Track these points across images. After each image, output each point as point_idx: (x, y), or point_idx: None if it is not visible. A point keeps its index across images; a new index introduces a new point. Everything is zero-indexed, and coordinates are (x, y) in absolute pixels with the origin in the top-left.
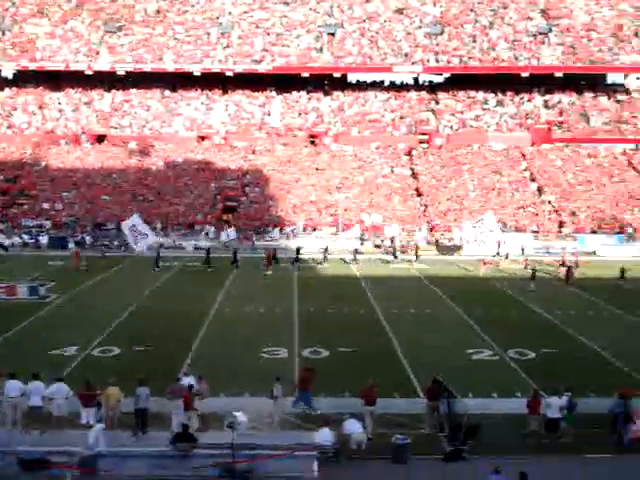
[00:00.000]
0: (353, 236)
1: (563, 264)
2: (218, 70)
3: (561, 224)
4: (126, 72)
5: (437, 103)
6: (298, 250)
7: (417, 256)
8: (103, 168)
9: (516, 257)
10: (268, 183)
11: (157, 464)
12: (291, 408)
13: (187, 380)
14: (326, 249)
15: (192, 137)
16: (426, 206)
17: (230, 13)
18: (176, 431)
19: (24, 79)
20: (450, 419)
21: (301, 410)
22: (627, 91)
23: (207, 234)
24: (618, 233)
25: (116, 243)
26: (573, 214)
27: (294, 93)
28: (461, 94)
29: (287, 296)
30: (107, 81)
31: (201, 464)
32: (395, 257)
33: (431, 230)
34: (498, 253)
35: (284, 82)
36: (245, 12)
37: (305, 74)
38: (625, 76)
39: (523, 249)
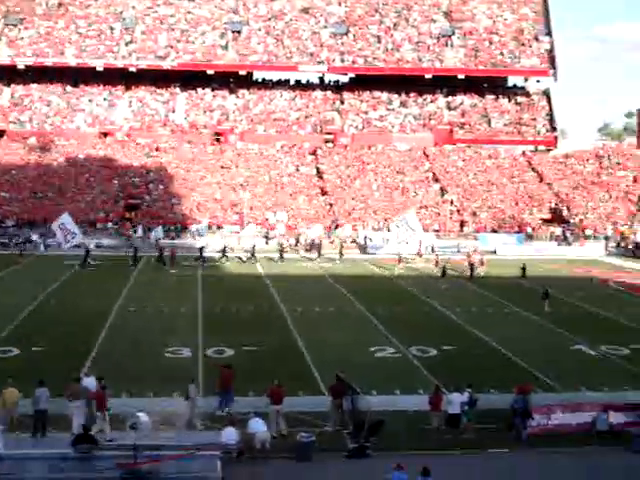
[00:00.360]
0: (251, 234)
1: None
2: (121, 66)
3: (462, 224)
4: (26, 66)
5: (342, 103)
6: (202, 249)
7: (342, 254)
8: (1, 164)
9: (428, 256)
10: (172, 181)
11: (57, 466)
12: (216, 410)
13: (88, 381)
14: (234, 248)
15: (94, 133)
16: (331, 205)
17: (134, 8)
18: (76, 433)
19: None
20: (353, 416)
21: (226, 412)
22: (527, 94)
23: (136, 232)
24: (517, 233)
25: (14, 241)
26: (474, 214)
27: (199, 90)
28: (366, 94)
29: (191, 295)
30: (6, 75)
31: (103, 466)
32: (315, 255)
33: (336, 228)
34: (420, 251)
35: (189, 79)
36: (149, 7)
37: (210, 71)
38: (525, 79)
39: (433, 248)
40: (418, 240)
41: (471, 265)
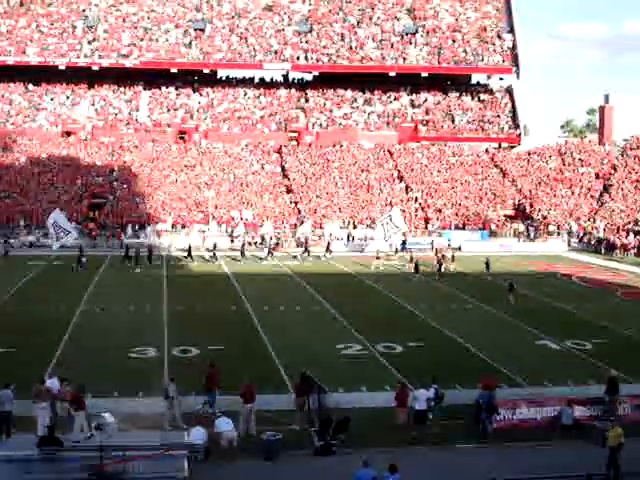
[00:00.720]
0: (215, 233)
1: (443, 257)
2: (84, 64)
3: (427, 220)
4: None
5: (307, 101)
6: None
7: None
8: None
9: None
10: (136, 180)
11: (23, 468)
12: (199, 410)
13: (51, 382)
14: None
15: (57, 132)
16: (296, 203)
17: (96, 6)
18: (41, 434)
19: None
20: (320, 414)
21: (211, 412)
22: (490, 91)
23: (126, 233)
24: (481, 229)
25: None
26: (439, 211)
27: (163, 89)
28: (330, 92)
29: (156, 294)
30: None
31: (69, 467)
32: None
33: (301, 224)
34: (404, 248)
35: (152, 77)
36: (112, 5)
37: (174, 69)
38: (488, 77)
39: (404, 243)
40: (402, 237)
41: (439, 261)
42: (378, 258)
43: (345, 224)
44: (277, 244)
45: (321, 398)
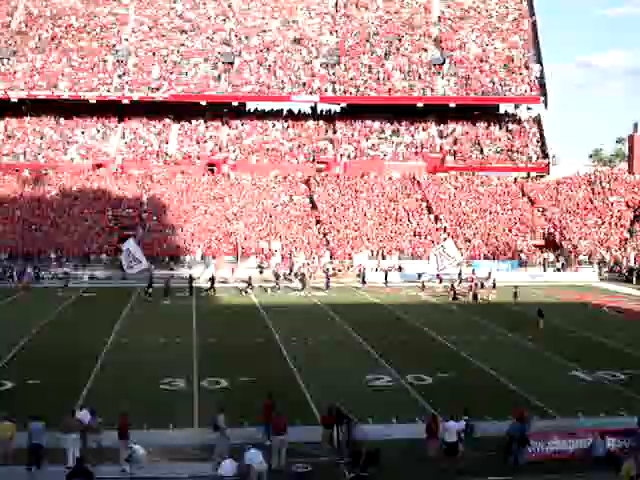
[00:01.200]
0: (246, 265)
1: (481, 286)
2: (114, 98)
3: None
4: (20, 99)
5: (335, 132)
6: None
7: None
8: None
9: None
10: (166, 212)
11: None
12: (262, 439)
13: (83, 413)
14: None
15: (88, 165)
16: (325, 234)
17: (127, 40)
18: (71, 466)
19: None
20: (350, 446)
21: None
22: (518, 121)
23: (203, 259)
24: (511, 259)
25: (8, 274)
26: (468, 241)
27: (192, 121)
28: (358, 123)
29: (186, 325)
30: (0, 108)
31: None
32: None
33: (331, 257)
34: (460, 278)
35: (182, 110)
36: (142, 40)
37: (203, 102)
38: (516, 106)
39: (460, 273)
40: (458, 267)
41: (474, 290)
42: (423, 288)
43: (374, 254)
44: (305, 275)
45: (351, 430)
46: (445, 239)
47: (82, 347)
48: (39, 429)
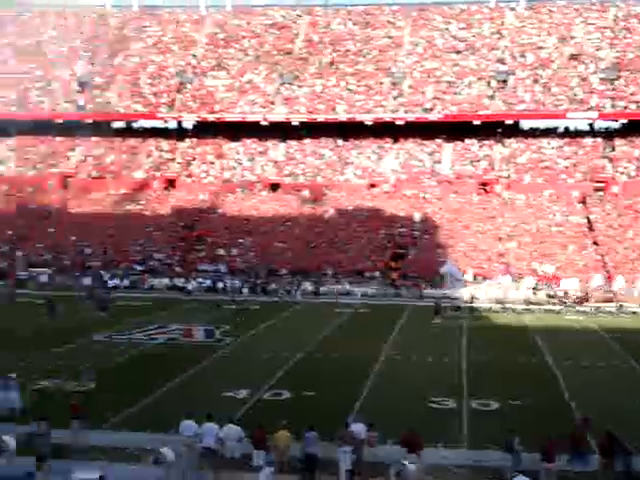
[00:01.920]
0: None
1: None
2: (389, 119)
3: None
4: (300, 122)
5: (613, 150)
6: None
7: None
8: (277, 215)
9: None
10: (437, 231)
11: None
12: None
13: (355, 426)
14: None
15: (363, 185)
16: (602, 256)
17: (402, 62)
18: (343, 479)
19: (203, 130)
20: (628, 477)
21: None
22: None
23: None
24: None
25: (283, 291)
26: None
27: (465, 140)
28: (639, 140)
29: (455, 345)
30: (282, 131)
31: None
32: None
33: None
34: None
35: (455, 130)
36: (417, 62)
37: (476, 122)
38: None
39: None
40: None
41: None
42: None
43: None
44: (582, 298)
45: (628, 460)
46: None
47: (355, 362)
48: (314, 439)
